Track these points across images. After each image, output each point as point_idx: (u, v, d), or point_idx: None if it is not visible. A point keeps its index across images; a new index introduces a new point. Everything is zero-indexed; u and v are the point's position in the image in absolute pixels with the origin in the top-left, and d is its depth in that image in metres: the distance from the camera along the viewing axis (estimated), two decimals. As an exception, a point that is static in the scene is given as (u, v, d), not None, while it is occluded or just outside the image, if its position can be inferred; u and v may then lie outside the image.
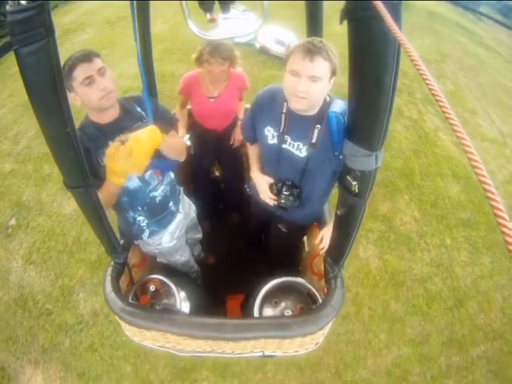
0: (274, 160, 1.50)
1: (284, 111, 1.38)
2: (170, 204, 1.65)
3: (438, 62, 5.41)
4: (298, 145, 1.40)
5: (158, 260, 1.83)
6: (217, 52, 1.78)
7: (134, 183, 1.43)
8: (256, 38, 4.73)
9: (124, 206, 1.50)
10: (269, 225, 2.02)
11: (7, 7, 0.62)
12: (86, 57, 1.16)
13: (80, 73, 1.16)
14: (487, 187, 0.33)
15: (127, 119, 1.34)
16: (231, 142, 2.26)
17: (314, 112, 1.34)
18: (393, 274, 2.67)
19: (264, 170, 1.65)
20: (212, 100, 2.06)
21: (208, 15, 0.82)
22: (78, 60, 1.15)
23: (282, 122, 1.39)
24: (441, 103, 0.38)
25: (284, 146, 1.43)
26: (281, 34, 4.63)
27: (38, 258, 2.77)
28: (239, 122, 2.18)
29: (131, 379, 2.26)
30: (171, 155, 1.41)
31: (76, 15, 6.16)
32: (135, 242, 1.67)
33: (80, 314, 2.47)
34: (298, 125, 1.37)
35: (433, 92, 0.39)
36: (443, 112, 0.38)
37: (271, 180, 1.59)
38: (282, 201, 1.53)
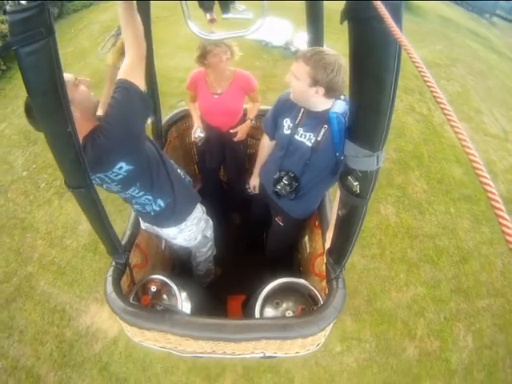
0: (284, 149, 1.67)
1: (303, 107, 1.56)
2: None
3: (448, 66, 5.74)
4: (310, 135, 1.55)
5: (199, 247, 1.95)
6: (219, 41, 1.85)
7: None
8: (292, 41, 5.13)
9: (172, 164, 1.55)
10: (269, 221, 2.09)
11: (7, 7, 0.61)
12: None
13: (66, 77, 1.08)
14: (485, 180, 0.34)
15: None
16: (233, 132, 2.24)
17: (318, 110, 1.49)
18: (408, 228, 3.18)
19: (272, 159, 1.82)
20: (216, 96, 2.09)
21: (208, 15, 0.82)
22: None
23: (299, 116, 1.58)
24: (439, 99, 0.39)
25: (296, 136, 1.59)
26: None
27: (112, 209, 2.86)
28: (248, 121, 2.22)
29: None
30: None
31: (114, 13, 6.10)
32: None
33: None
34: (310, 120, 1.54)
35: (431, 89, 0.40)
36: (442, 109, 0.38)
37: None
38: (279, 187, 1.66)
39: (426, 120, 4.36)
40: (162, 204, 1.50)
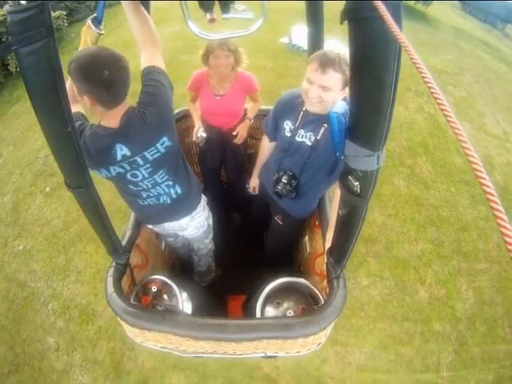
0: (284, 150, 1.68)
1: (303, 109, 1.55)
2: None
3: (457, 74, 6.22)
4: (310, 135, 1.56)
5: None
6: (224, 44, 1.84)
7: None
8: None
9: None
10: (269, 220, 2.09)
11: (7, 7, 0.61)
12: None
13: None
14: (484, 181, 0.34)
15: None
16: (234, 134, 2.23)
17: (326, 111, 1.45)
18: (416, 198, 3.74)
19: (273, 159, 1.81)
20: (218, 98, 2.09)
21: (208, 15, 0.82)
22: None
23: (299, 118, 1.57)
24: (436, 95, 0.41)
25: (297, 138, 1.59)
26: (332, 45, 5.21)
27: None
28: (247, 121, 2.21)
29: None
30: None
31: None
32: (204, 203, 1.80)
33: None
34: (311, 121, 1.54)
35: (429, 85, 0.41)
36: (438, 104, 0.40)
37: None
38: (279, 187, 1.67)
39: (432, 118, 4.88)
40: (179, 190, 1.55)
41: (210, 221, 1.97)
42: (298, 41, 5.63)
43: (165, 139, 1.31)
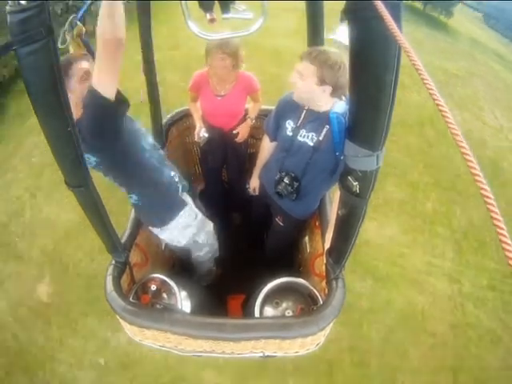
0: (286, 150, 1.68)
1: (305, 108, 1.58)
2: None
3: (465, 78, 6.51)
4: (312, 135, 1.57)
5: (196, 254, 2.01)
6: (220, 46, 1.81)
7: (148, 140, 1.51)
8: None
9: (158, 168, 1.52)
10: (270, 221, 2.10)
11: (7, 7, 0.61)
12: (78, 57, 1.24)
13: (77, 69, 1.20)
14: (485, 193, 0.34)
15: None
16: (235, 133, 2.23)
17: (322, 110, 1.51)
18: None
19: (274, 159, 1.83)
20: (219, 98, 2.09)
21: (208, 15, 0.82)
22: (73, 59, 1.21)
23: (301, 117, 1.59)
24: (434, 96, 0.41)
25: (298, 137, 1.61)
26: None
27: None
28: (249, 120, 2.21)
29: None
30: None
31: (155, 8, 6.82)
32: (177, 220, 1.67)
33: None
34: (313, 121, 1.56)
35: (425, 82, 0.41)
36: (437, 105, 0.40)
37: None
38: (280, 187, 1.68)
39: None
40: (137, 202, 1.57)
41: (201, 238, 1.88)
42: (342, 38, 5.91)
43: (88, 155, 1.28)
